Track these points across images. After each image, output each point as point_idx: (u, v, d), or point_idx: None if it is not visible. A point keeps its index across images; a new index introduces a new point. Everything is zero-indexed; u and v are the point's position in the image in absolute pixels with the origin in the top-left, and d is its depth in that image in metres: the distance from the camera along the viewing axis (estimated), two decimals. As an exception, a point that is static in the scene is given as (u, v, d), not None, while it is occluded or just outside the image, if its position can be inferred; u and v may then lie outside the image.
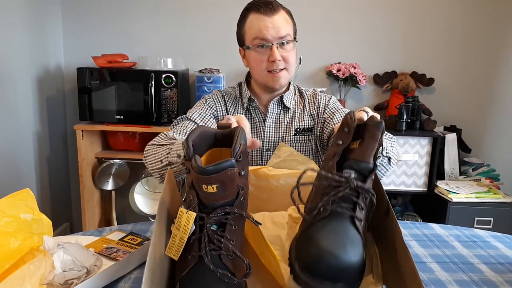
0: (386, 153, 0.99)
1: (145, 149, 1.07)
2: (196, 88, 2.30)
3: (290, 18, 1.15)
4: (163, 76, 2.11)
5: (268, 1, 1.11)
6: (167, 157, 0.96)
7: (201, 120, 1.17)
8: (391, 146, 1.04)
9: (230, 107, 1.24)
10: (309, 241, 0.53)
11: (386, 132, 1.06)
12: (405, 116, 2.20)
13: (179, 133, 1.10)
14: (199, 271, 0.55)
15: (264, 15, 1.09)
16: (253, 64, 1.15)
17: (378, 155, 0.62)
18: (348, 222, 0.55)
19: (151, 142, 1.08)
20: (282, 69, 1.13)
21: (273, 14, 1.09)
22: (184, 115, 1.20)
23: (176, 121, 1.19)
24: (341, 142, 0.62)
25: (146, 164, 1.04)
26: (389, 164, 1.03)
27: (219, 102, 1.24)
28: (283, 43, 1.11)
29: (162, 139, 1.07)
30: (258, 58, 1.12)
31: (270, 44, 1.10)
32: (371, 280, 0.62)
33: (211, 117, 1.20)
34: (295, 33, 1.16)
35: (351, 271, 0.51)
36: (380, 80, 2.43)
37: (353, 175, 0.57)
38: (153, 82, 2.12)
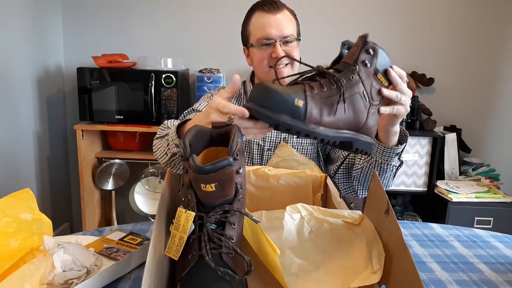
0: (402, 157, 1.02)
1: (153, 144, 1.07)
2: (196, 88, 2.30)
3: (294, 18, 1.16)
4: (163, 76, 2.11)
5: (272, 0, 1.13)
6: (168, 148, 0.95)
7: None
8: (396, 169, 1.05)
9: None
10: (258, 84, 0.63)
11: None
12: (405, 116, 2.20)
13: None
14: (200, 270, 0.55)
15: (268, 13, 1.11)
16: (256, 61, 1.15)
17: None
18: (300, 89, 0.64)
19: (156, 135, 1.07)
20: (286, 65, 1.12)
21: (277, 13, 1.11)
22: (191, 108, 1.19)
23: (183, 115, 1.19)
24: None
25: (157, 159, 1.04)
26: (397, 169, 1.04)
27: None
28: (286, 41, 1.12)
29: (162, 130, 1.07)
30: (261, 55, 1.13)
31: (274, 41, 1.10)
32: (370, 271, 0.62)
33: None
34: (298, 33, 1.17)
35: (287, 105, 0.61)
36: (380, 80, 2.43)
37: (327, 69, 0.68)
38: (153, 82, 2.12)
